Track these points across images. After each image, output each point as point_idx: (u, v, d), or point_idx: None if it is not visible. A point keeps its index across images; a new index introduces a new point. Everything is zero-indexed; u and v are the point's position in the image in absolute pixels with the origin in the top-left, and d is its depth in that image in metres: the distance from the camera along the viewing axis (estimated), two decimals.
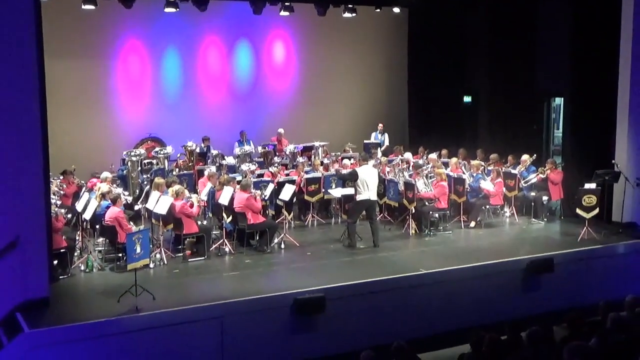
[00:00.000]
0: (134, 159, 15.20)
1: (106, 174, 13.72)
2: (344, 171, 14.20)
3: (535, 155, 15.21)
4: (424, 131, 18.69)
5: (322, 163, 15.90)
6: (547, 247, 12.77)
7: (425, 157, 16.25)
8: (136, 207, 13.07)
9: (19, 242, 9.53)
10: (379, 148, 17.80)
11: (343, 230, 13.40)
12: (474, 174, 14.85)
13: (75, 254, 11.73)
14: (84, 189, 13.53)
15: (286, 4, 17.33)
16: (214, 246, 12.53)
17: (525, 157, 15.15)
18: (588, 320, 8.10)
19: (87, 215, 11.90)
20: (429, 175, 14.60)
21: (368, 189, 12.76)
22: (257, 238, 12.76)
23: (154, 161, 15.81)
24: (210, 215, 13.53)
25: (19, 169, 9.57)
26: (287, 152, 17.13)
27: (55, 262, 10.86)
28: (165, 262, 11.83)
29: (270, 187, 13.53)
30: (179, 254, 12.18)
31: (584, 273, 12.37)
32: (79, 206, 12.29)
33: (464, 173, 14.99)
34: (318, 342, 10.26)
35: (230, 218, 12.69)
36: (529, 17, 16.63)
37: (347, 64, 20.05)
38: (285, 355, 9.87)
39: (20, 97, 9.54)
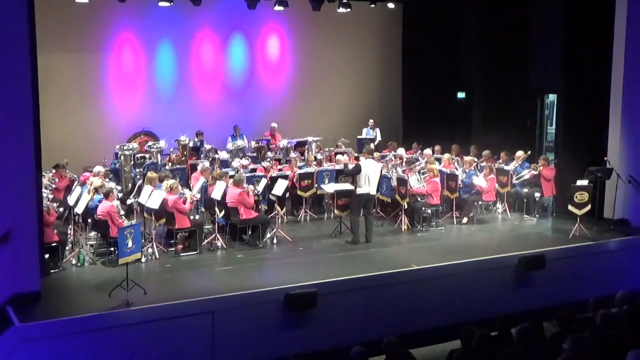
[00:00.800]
0: (126, 153, 15.18)
1: (99, 168, 13.70)
2: (350, 166, 14.15)
3: (529, 151, 15.25)
4: (418, 127, 18.69)
5: (315, 158, 15.89)
6: (538, 243, 12.79)
7: (419, 153, 16.27)
8: (128, 202, 13.05)
9: (10, 236, 9.50)
10: (372, 144, 17.78)
11: (336, 225, 13.42)
12: (467, 170, 14.87)
13: (67, 247, 11.72)
14: (76, 182, 13.50)
15: None
16: (206, 241, 12.52)
17: (519, 153, 15.17)
18: (578, 316, 8.11)
19: (79, 209, 11.87)
20: (422, 171, 14.61)
21: (369, 184, 12.74)
22: (250, 233, 12.75)
23: (147, 155, 15.78)
24: (203, 209, 13.52)
25: (10, 163, 9.54)
26: (281, 147, 17.12)
27: (47, 256, 10.84)
28: (157, 256, 11.82)
29: (263, 182, 13.52)
30: (171, 249, 12.17)
31: (575, 270, 12.40)
32: (71, 200, 12.27)
33: (456, 169, 15.02)
34: (309, 338, 10.26)
35: (222, 213, 12.68)
36: (522, 14, 16.66)
37: (341, 59, 20.02)
38: (276, 350, 9.85)
39: (12, 90, 9.52)
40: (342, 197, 13.52)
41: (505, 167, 14.89)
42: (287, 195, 14.17)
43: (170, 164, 15.55)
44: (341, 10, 17.88)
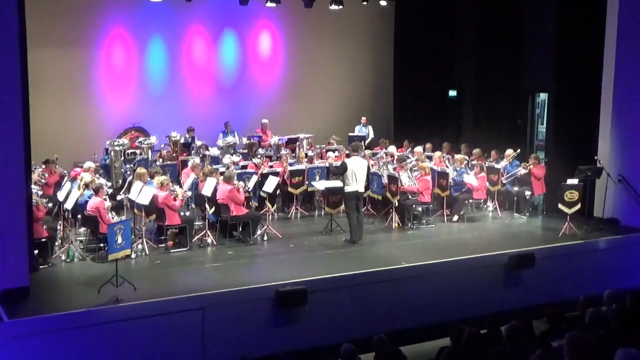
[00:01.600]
0: (117, 148, 15.12)
1: (89, 164, 13.66)
2: (335, 164, 14.16)
3: (519, 150, 15.28)
4: (409, 125, 18.72)
5: (306, 155, 15.88)
6: (528, 242, 12.84)
7: (410, 151, 16.29)
8: (119, 197, 13.01)
9: (0, 231, 9.44)
10: (363, 141, 17.77)
11: (326, 222, 13.42)
12: (458, 168, 14.91)
13: (56, 243, 11.67)
14: (66, 178, 13.45)
15: None
16: (196, 237, 12.50)
17: (509, 151, 15.22)
18: (567, 315, 8.14)
19: (69, 205, 11.82)
20: (413, 169, 14.63)
21: (356, 181, 12.68)
22: (240, 229, 12.74)
23: (138, 151, 15.73)
24: (193, 206, 13.49)
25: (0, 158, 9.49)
26: (272, 144, 17.10)
27: (36, 251, 10.79)
28: (147, 252, 11.78)
29: (254, 178, 13.51)
30: (161, 245, 12.15)
31: (565, 268, 12.45)
32: (60, 196, 12.21)
33: (447, 167, 15.04)
34: (300, 335, 10.25)
35: (213, 209, 12.66)
36: (515, 13, 16.71)
37: (333, 57, 20.01)
38: (266, 347, 9.84)
39: (2, 85, 9.45)
40: (333, 194, 13.53)
41: (496, 166, 14.92)
42: (278, 192, 14.16)
43: (161, 160, 15.52)
44: (333, 7, 17.90)
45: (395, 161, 15.30)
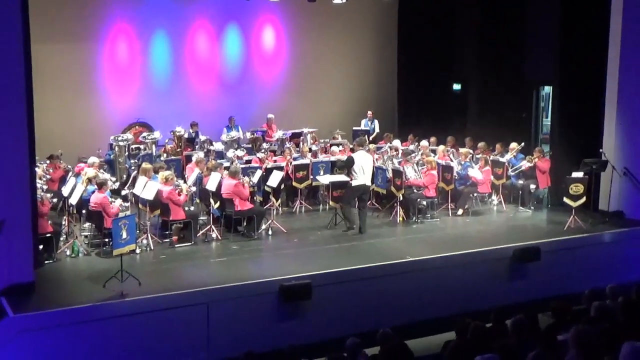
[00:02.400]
0: (121, 144, 15.13)
1: (93, 159, 13.68)
2: (342, 158, 14.15)
3: (523, 143, 15.24)
4: (413, 118, 18.69)
5: (310, 150, 15.86)
6: (534, 235, 12.81)
7: (415, 145, 16.26)
8: (123, 192, 13.01)
9: (4, 227, 9.45)
10: (368, 135, 17.75)
11: (331, 217, 13.41)
12: (462, 162, 14.87)
13: (61, 238, 11.69)
14: (70, 173, 13.46)
15: None
16: (201, 232, 12.50)
17: (513, 144, 15.18)
18: (573, 308, 8.12)
19: (73, 200, 11.82)
20: (419, 162, 14.61)
21: (364, 174, 12.75)
22: (245, 224, 12.73)
23: (142, 146, 15.72)
24: (198, 201, 13.49)
25: (4, 153, 9.48)
26: (276, 139, 17.08)
27: (41, 246, 10.80)
28: (152, 247, 11.79)
29: (258, 173, 13.49)
30: (166, 240, 12.16)
31: (570, 262, 12.42)
32: (65, 191, 12.22)
33: (452, 161, 15.01)
34: (304, 329, 10.26)
35: (217, 204, 12.65)
36: (518, 5, 16.62)
37: (337, 51, 19.97)
38: (271, 341, 9.85)
39: (6, 81, 9.46)
40: (338, 188, 13.52)
41: (501, 159, 14.88)
42: (282, 186, 14.15)
43: (165, 155, 15.52)
44: (337, 1, 17.85)
45: (400, 155, 15.28)
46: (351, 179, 12.97)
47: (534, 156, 14.59)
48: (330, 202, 13.87)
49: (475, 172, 14.38)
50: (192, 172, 13.29)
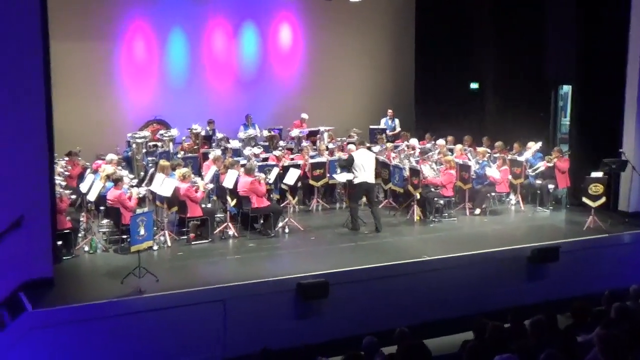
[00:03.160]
0: (139, 141, 15.19)
1: (111, 156, 13.75)
2: (344, 157, 14.18)
3: (540, 142, 15.15)
4: (431, 117, 18.61)
5: (327, 148, 15.85)
6: (552, 235, 12.73)
7: (432, 144, 16.21)
8: (140, 190, 13.04)
9: (23, 223, 9.50)
10: (384, 134, 17.71)
11: (347, 215, 13.38)
12: (480, 161, 14.79)
13: (80, 235, 11.74)
14: (88, 170, 13.52)
15: None
16: (217, 229, 12.51)
17: (531, 144, 15.09)
18: (592, 309, 8.05)
19: (92, 197, 11.89)
20: (437, 161, 14.55)
21: (364, 171, 12.77)
22: (261, 222, 12.74)
23: (159, 144, 15.76)
24: (215, 198, 13.51)
25: (23, 150, 9.53)
26: (292, 136, 17.08)
27: (60, 242, 10.85)
28: (169, 244, 11.83)
29: (275, 171, 13.49)
30: (183, 237, 12.18)
31: (589, 262, 12.32)
32: (83, 187, 12.28)
33: (469, 160, 14.93)
34: (321, 327, 10.25)
35: (234, 201, 12.67)
36: (537, 4, 16.50)
37: (354, 49, 19.94)
38: (288, 339, 9.83)
39: (25, 78, 9.51)
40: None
41: (519, 158, 14.79)
42: (299, 184, 14.14)
43: (182, 152, 15.55)
44: None
45: (418, 154, 15.22)
46: (354, 178, 12.98)
47: (552, 156, 14.49)
48: (347, 200, 13.84)
49: (493, 172, 14.31)
50: (209, 170, 13.31)
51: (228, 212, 12.66)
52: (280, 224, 12.89)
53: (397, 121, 18.87)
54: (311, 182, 14.54)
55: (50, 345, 8.85)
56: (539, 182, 14.77)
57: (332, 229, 13.09)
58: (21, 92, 9.48)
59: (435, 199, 13.74)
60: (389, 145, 16.01)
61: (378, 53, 20.32)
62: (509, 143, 15.54)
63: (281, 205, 13.32)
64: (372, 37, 20.15)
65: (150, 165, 14.32)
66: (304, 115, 18.02)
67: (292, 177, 13.26)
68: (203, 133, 16.38)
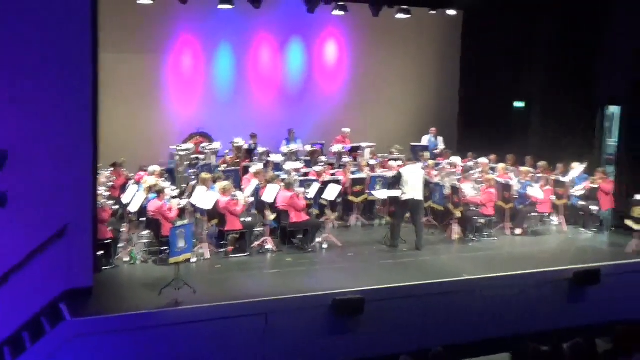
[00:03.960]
0: (182, 153, 15.37)
1: (154, 167, 13.91)
2: (389, 174, 14.17)
3: (586, 162, 14.95)
4: (474, 136, 18.45)
5: (368, 164, 15.82)
6: (594, 257, 12.53)
7: (474, 162, 16.09)
8: (181, 202, 13.18)
9: (66, 232, 9.69)
10: (426, 151, 17.62)
11: (386, 232, 13.34)
12: (522, 181, 14.63)
13: (120, 245, 11.89)
14: (131, 181, 13.71)
15: (340, 3, 17.30)
16: (256, 243, 12.57)
17: (575, 164, 14.90)
18: (634, 335, 7.88)
19: (133, 208, 12.04)
20: (478, 180, 14.44)
21: (413, 189, 12.71)
22: (300, 236, 12.76)
23: (202, 156, 15.93)
24: (255, 212, 13.57)
25: (68, 160, 9.73)
26: (334, 152, 17.12)
27: (100, 252, 11.00)
28: (208, 257, 11.92)
29: (315, 186, 13.51)
30: (222, 250, 12.25)
31: (632, 286, 12.07)
32: (125, 198, 12.45)
33: (511, 179, 14.78)
34: (356, 344, 10.21)
35: (274, 216, 12.71)
36: (590, 24, 16.29)
37: (398, 66, 19.92)
38: (323, 355, 9.87)
39: (74, 89, 9.71)
40: (394, 203, 13.45)
41: (562, 179, 14.60)
42: (339, 200, 14.14)
43: (224, 165, 15.66)
44: (400, 16, 17.81)
45: (458, 172, 15.13)
46: (401, 195, 12.91)
47: (596, 177, 14.28)
48: (387, 217, 13.80)
49: (535, 192, 14.13)
50: (250, 183, 13.39)
51: (267, 226, 12.71)
52: (318, 239, 12.89)
53: (440, 139, 18.76)
54: (350, 197, 14.53)
55: (87, 355, 8.95)
56: (582, 203, 14.55)
57: (370, 246, 13.06)
58: (69, 101, 9.70)
59: (475, 217, 13.62)
60: (431, 162, 15.92)
61: (422, 70, 20.26)
62: (552, 163, 15.35)
63: (320, 221, 13.33)
64: (417, 54, 20.11)
65: (192, 177, 14.47)
66: (346, 130, 18.04)
67: (332, 192, 13.27)
68: (245, 147, 16.49)
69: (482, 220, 13.74)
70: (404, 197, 12.79)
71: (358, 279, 10.91)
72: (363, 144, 17.24)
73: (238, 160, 16.00)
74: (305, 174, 14.69)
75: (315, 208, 13.64)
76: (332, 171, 15.33)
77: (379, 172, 15.33)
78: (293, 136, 17.73)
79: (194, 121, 17.64)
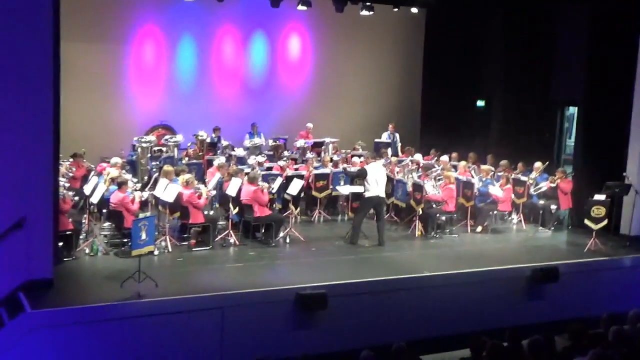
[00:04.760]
0: (144, 145, 15.22)
1: (116, 159, 13.75)
2: (353, 169, 14.22)
3: (548, 162, 15.18)
4: (436, 133, 18.60)
5: (331, 160, 15.87)
6: (553, 256, 12.71)
7: (436, 160, 16.23)
8: (143, 194, 13.07)
9: (26, 223, 9.52)
10: (389, 148, 17.72)
11: (349, 227, 13.38)
12: (484, 179, 14.81)
13: (81, 237, 11.75)
14: (92, 172, 13.55)
15: None
16: (219, 237, 12.52)
17: (538, 164, 15.12)
18: (590, 331, 8.04)
19: (95, 199, 11.92)
20: (438, 177, 14.56)
21: (377, 185, 12.79)
22: (263, 231, 12.75)
23: (164, 149, 15.82)
24: (217, 205, 13.52)
25: (28, 150, 9.56)
26: (297, 147, 17.12)
27: (61, 244, 10.87)
28: (170, 250, 11.84)
29: (279, 180, 13.52)
30: (184, 243, 12.19)
31: (589, 284, 12.32)
32: (87, 189, 12.32)
33: (473, 177, 14.95)
34: (319, 339, 10.23)
35: (236, 209, 12.68)
36: (546, 25, 16.58)
37: (362, 62, 20.01)
38: (285, 349, 9.84)
39: (34, 78, 9.54)
40: (357, 199, 13.51)
41: (522, 178, 14.81)
42: (302, 195, 14.15)
43: (187, 158, 15.57)
44: (364, 12, 17.89)
45: (420, 169, 15.25)
46: (364, 191, 12.98)
47: (556, 176, 14.51)
48: (350, 213, 13.87)
49: (496, 190, 14.32)
50: (213, 177, 13.33)
51: (230, 220, 12.67)
52: (281, 234, 12.90)
53: (397, 136, 18.87)
54: (314, 193, 14.55)
55: (47, 347, 8.83)
56: (541, 202, 14.79)
57: (333, 241, 13.09)
58: (29, 91, 9.52)
59: (438, 214, 13.75)
60: (394, 159, 16.02)
61: (386, 67, 20.38)
62: (513, 162, 15.57)
63: (283, 215, 13.33)
64: (381, 51, 20.21)
65: (154, 169, 14.35)
66: (309, 125, 18.07)
67: (295, 187, 13.28)
68: (208, 140, 16.40)
69: (444, 217, 13.88)
70: (368, 194, 12.86)
71: (321, 274, 10.92)
72: (327, 139, 17.27)
73: (201, 154, 15.92)
74: (269, 169, 14.68)
75: (278, 202, 13.65)
76: (296, 166, 15.35)
77: (343, 167, 15.38)
78: (256, 130, 17.70)
79: (157, 113, 17.53)
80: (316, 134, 17.88)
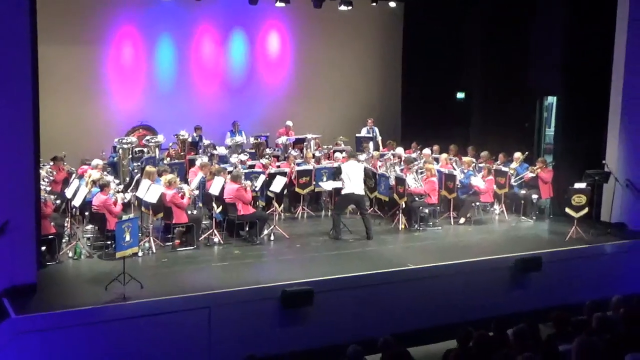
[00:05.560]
0: (125, 146, 15.18)
1: (97, 161, 13.70)
2: (336, 165, 14.30)
3: (527, 152, 15.28)
4: (417, 126, 18.69)
5: (314, 156, 15.89)
6: (535, 245, 12.82)
7: (418, 153, 16.29)
8: (126, 196, 13.02)
9: (7, 228, 9.45)
10: (370, 142, 17.76)
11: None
12: (465, 171, 14.88)
13: (64, 240, 11.69)
14: (74, 175, 13.48)
15: None
16: (203, 236, 12.51)
17: (518, 154, 15.21)
18: (574, 319, 8.12)
19: (77, 202, 11.84)
20: (420, 170, 14.63)
21: (351, 182, 12.87)
22: (247, 229, 12.75)
23: (145, 149, 15.77)
24: (201, 205, 13.50)
25: (8, 154, 9.49)
26: (279, 144, 17.12)
27: (43, 248, 10.81)
28: (154, 251, 11.82)
29: (261, 178, 13.52)
30: (168, 243, 12.17)
31: (572, 272, 12.42)
32: (68, 192, 12.24)
33: (454, 169, 15.02)
34: (306, 335, 10.26)
35: (220, 208, 12.67)
36: (524, 16, 16.66)
37: (342, 58, 20.01)
38: (272, 346, 9.86)
39: (12, 81, 9.47)
40: (338, 195, 13.55)
41: (503, 168, 14.90)
42: (285, 192, 14.16)
43: (168, 158, 15.53)
44: (342, 7, 17.89)
45: (402, 163, 15.30)
46: (342, 188, 13.07)
47: (536, 166, 14.61)
48: (333, 208, 13.89)
49: (477, 181, 14.40)
50: (196, 176, 13.31)
51: (214, 219, 12.66)
52: (265, 232, 12.91)
53: (377, 130, 18.90)
54: (297, 189, 14.58)
55: (33, 352, 8.80)
56: (523, 192, 14.89)
57: (317, 237, 13.12)
58: (8, 95, 9.44)
59: (421, 207, 13.81)
60: (376, 153, 16.07)
61: (366, 62, 20.40)
62: (494, 153, 15.66)
63: (267, 213, 13.34)
64: (360, 46, 20.23)
65: (136, 171, 14.30)
66: (289, 123, 18.08)
67: (278, 184, 13.29)
68: (190, 139, 16.37)
69: (427, 210, 13.94)
70: (344, 191, 13.01)
71: (306, 270, 10.97)
72: (308, 136, 17.29)
73: (183, 153, 15.89)
74: (251, 167, 14.68)
75: (261, 200, 13.65)
76: (278, 163, 15.37)
77: (325, 163, 15.41)
78: (237, 128, 17.67)
79: (137, 114, 17.44)
80: (298, 131, 17.89)
